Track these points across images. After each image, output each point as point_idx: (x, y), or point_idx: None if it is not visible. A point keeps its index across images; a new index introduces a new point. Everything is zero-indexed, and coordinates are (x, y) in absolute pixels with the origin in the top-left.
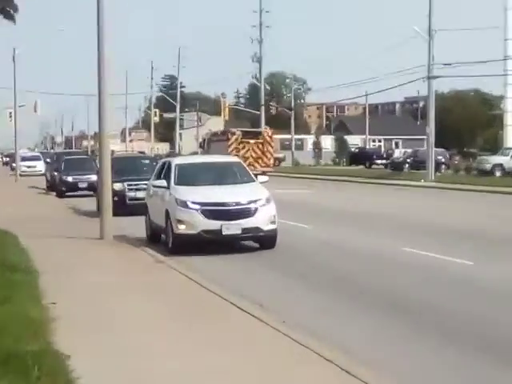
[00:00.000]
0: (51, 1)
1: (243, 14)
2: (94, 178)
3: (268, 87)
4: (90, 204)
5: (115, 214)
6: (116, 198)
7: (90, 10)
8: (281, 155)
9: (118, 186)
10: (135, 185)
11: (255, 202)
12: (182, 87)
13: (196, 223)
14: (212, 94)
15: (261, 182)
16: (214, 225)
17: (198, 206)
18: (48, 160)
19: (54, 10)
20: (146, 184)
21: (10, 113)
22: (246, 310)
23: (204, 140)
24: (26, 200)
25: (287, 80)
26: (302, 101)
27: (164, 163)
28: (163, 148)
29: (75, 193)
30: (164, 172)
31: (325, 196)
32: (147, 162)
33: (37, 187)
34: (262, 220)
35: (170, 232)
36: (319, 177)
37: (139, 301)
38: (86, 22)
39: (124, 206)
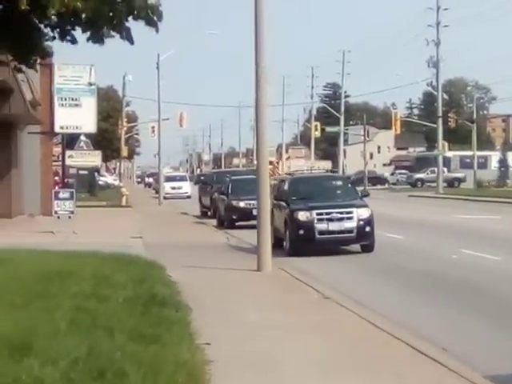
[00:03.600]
0: (199, 7)
1: (416, 12)
2: None
3: (446, 96)
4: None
5: (299, 252)
6: (301, 232)
7: (240, 15)
8: (460, 175)
9: (303, 216)
10: (327, 214)
11: None
12: (346, 97)
13: None
14: (381, 105)
15: None
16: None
17: None
18: (204, 180)
19: (200, 15)
20: (340, 213)
21: (153, 127)
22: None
23: None
24: (175, 227)
25: (468, 88)
26: (485, 112)
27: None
28: (324, 166)
29: (247, 222)
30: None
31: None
32: (339, 182)
33: (186, 213)
34: None
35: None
36: (507, 200)
37: (304, 342)
38: (234, 27)
39: (312, 242)
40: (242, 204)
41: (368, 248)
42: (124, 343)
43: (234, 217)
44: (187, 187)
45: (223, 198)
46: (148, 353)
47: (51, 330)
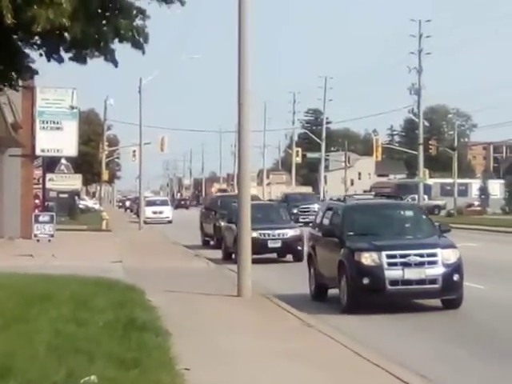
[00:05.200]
0: (182, 31)
1: (399, 39)
2: (290, 233)
3: (427, 123)
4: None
5: (360, 307)
6: (366, 281)
7: (223, 39)
8: (440, 202)
9: (368, 259)
10: (401, 256)
11: None
12: (327, 123)
13: None
14: (362, 131)
15: None
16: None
17: None
18: (207, 205)
19: (183, 39)
20: (420, 255)
21: (134, 151)
22: None
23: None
24: (157, 254)
25: (449, 115)
26: (466, 139)
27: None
28: None
29: (260, 256)
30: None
31: (493, 250)
32: (410, 213)
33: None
34: None
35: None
36: (487, 228)
37: (285, 370)
38: (217, 51)
39: (380, 295)
40: (254, 234)
41: (454, 304)
42: (104, 368)
43: None
44: (168, 212)
45: (231, 226)
46: (128, 378)
47: (30, 353)
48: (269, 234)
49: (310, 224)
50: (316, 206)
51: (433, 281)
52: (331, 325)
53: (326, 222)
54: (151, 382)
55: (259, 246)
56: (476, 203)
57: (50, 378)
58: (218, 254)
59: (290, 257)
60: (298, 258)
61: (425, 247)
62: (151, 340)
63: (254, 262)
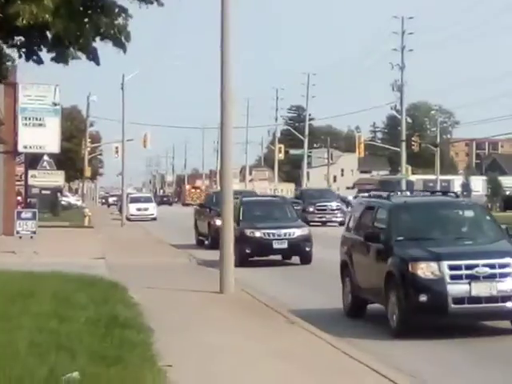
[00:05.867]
0: (164, 28)
1: (381, 36)
2: (297, 232)
3: (410, 120)
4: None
5: (413, 328)
6: (423, 298)
7: (206, 37)
8: None
9: (426, 270)
10: (467, 267)
11: None
12: (310, 120)
13: None
14: (345, 128)
15: None
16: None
17: None
18: (202, 202)
19: (165, 36)
20: (491, 265)
21: (117, 148)
22: None
23: None
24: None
25: (432, 112)
26: (449, 136)
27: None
28: (288, 189)
29: (264, 258)
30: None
31: None
32: (471, 213)
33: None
34: None
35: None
36: None
37: (266, 366)
38: (199, 48)
39: (442, 315)
40: (258, 234)
41: None
42: (86, 364)
43: (248, 251)
44: (153, 209)
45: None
46: (110, 374)
47: (12, 350)
48: (274, 234)
49: (328, 223)
50: (334, 204)
51: (507, 297)
52: (375, 352)
53: (365, 223)
54: (133, 379)
55: (263, 247)
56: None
57: (32, 375)
58: (212, 254)
59: (296, 259)
60: (305, 260)
61: (495, 256)
62: (133, 337)
63: (257, 264)
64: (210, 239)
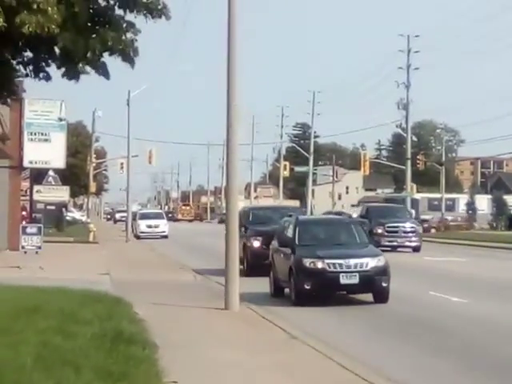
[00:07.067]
0: (171, 45)
1: (387, 54)
2: (371, 263)
3: (415, 138)
4: None
5: None
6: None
7: (212, 54)
8: (428, 217)
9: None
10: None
11: None
12: (315, 137)
13: None
14: (350, 146)
15: None
16: None
17: None
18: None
19: (172, 53)
20: None
21: (122, 163)
22: None
23: None
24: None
25: (437, 130)
26: (454, 154)
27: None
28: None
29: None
30: None
31: (479, 265)
32: None
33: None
34: None
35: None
36: (473, 243)
37: (272, 382)
38: (206, 65)
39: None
40: (319, 265)
41: None
42: (91, 380)
43: (307, 286)
44: (164, 226)
45: (284, 251)
46: None
47: (18, 365)
48: (341, 265)
49: (399, 249)
50: (408, 225)
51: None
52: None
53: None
54: None
55: (328, 282)
56: (459, 218)
57: None
58: (251, 284)
59: (368, 296)
60: (381, 298)
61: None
62: (138, 352)
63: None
64: (246, 264)
